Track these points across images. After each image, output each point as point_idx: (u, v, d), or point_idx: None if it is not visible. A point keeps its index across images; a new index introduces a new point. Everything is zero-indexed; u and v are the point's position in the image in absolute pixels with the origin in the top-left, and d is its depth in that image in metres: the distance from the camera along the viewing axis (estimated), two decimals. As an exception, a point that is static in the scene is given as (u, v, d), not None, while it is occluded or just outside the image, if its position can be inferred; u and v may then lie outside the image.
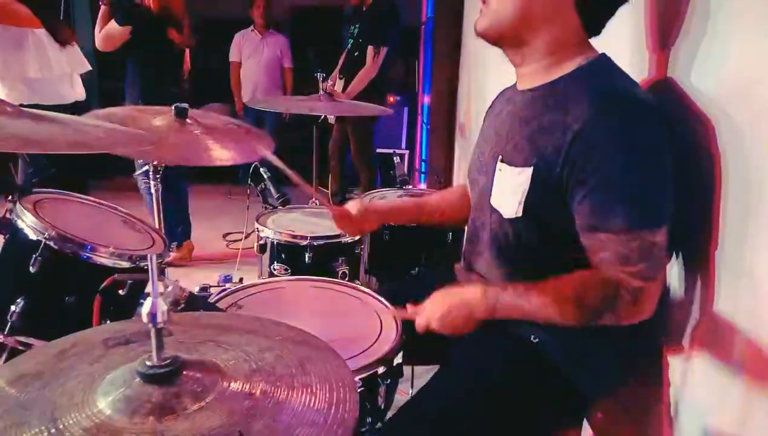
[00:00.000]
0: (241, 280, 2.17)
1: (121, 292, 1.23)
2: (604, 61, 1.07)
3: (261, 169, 2.04)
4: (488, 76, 2.69)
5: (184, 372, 0.63)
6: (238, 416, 0.60)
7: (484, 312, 1.07)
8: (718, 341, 0.97)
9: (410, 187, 2.40)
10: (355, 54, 3.64)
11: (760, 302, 0.86)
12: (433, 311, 1.10)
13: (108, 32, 2.96)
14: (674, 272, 1.10)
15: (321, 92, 2.25)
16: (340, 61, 3.81)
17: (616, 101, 0.98)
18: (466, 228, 1.32)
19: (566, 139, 0.98)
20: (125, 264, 1.29)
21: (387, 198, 2.19)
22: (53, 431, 0.57)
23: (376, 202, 1.51)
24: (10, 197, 1.31)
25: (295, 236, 1.78)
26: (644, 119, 0.97)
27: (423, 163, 4.67)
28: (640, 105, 0.99)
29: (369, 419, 1.06)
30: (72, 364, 0.69)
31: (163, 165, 1.74)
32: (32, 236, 1.24)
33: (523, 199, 1.05)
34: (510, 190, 1.07)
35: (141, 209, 2.54)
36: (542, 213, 1.05)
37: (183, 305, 1.02)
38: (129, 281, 1.21)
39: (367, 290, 1.31)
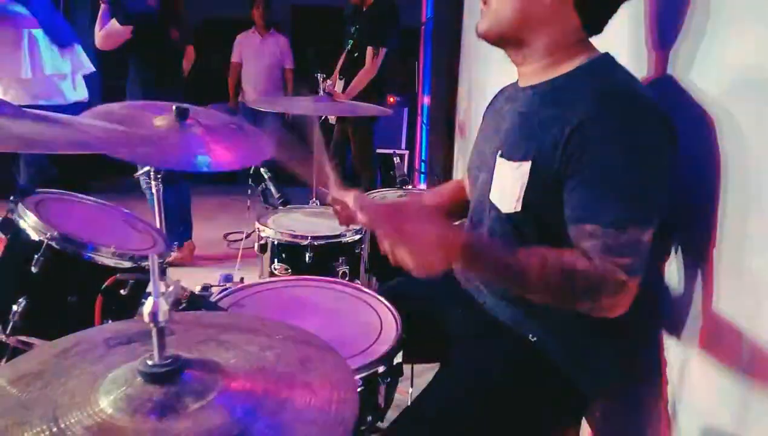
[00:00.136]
0: (242, 279, 2.18)
1: (122, 291, 1.23)
2: (606, 59, 1.07)
3: (262, 170, 2.05)
4: (488, 75, 2.69)
5: (186, 371, 0.64)
6: (239, 415, 0.61)
7: (460, 249, 0.96)
8: (717, 340, 0.97)
9: (410, 187, 2.40)
10: (355, 54, 3.64)
11: (760, 302, 0.86)
12: (406, 247, 0.94)
13: (109, 31, 2.97)
14: (674, 271, 1.10)
15: (321, 93, 2.25)
16: (340, 62, 3.82)
17: (616, 98, 0.99)
18: (464, 226, 1.32)
19: (564, 134, 0.98)
20: (127, 264, 1.29)
21: (387, 198, 2.19)
22: (55, 430, 0.58)
23: (375, 201, 1.50)
24: (12, 198, 1.32)
25: (295, 236, 1.78)
26: (644, 117, 0.97)
27: (423, 163, 4.67)
28: (640, 103, 0.99)
29: (369, 418, 1.06)
30: (73, 363, 0.69)
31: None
32: (34, 236, 1.24)
33: (522, 195, 1.05)
34: (509, 185, 1.07)
35: (142, 209, 2.54)
36: (540, 209, 1.05)
37: (184, 305, 1.03)
38: (130, 281, 1.22)
39: (367, 289, 1.32)
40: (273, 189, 2.00)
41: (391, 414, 1.11)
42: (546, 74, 1.09)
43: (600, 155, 0.96)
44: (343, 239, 1.79)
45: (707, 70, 1.02)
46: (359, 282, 1.70)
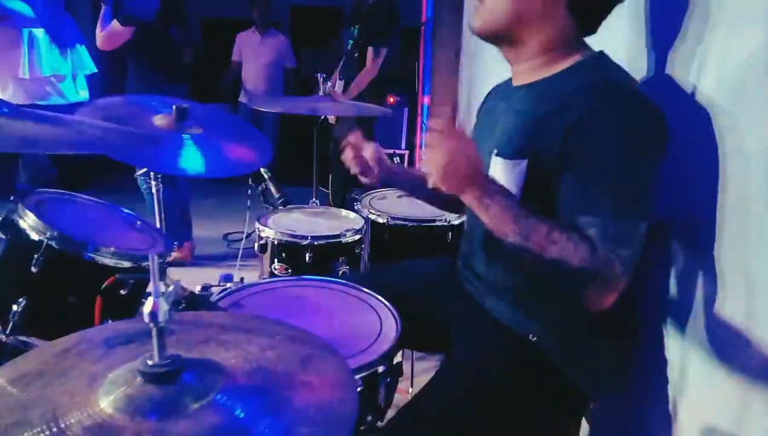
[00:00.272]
0: (242, 279, 2.18)
1: (122, 291, 1.23)
2: (601, 57, 1.08)
3: (262, 170, 2.04)
4: (488, 75, 2.69)
5: (186, 371, 0.64)
6: (239, 415, 0.61)
7: (481, 181, 0.99)
8: (717, 340, 0.97)
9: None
10: (355, 55, 3.64)
11: (760, 301, 0.86)
12: (436, 158, 0.98)
13: (110, 32, 2.96)
14: (674, 271, 1.10)
15: (321, 93, 2.25)
16: (341, 63, 3.82)
17: (611, 94, 0.99)
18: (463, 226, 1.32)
19: (561, 133, 0.99)
20: (127, 264, 1.29)
21: (387, 198, 2.20)
22: (54, 430, 0.58)
23: (391, 165, 1.47)
24: (11, 198, 1.31)
25: (295, 236, 1.78)
26: (638, 113, 0.98)
27: (423, 163, 4.66)
28: (634, 99, 1.00)
29: (369, 418, 1.06)
30: (73, 363, 0.69)
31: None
32: (34, 236, 1.24)
33: (519, 193, 1.05)
34: (505, 184, 1.07)
35: (142, 209, 2.54)
36: (537, 206, 1.05)
37: (184, 305, 1.03)
38: (130, 281, 1.22)
39: (367, 289, 1.32)
40: (273, 189, 2.00)
41: (392, 414, 1.11)
42: (540, 73, 1.10)
43: (595, 149, 0.96)
44: (343, 239, 1.79)
45: (706, 70, 1.02)
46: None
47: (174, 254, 3.30)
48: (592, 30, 1.08)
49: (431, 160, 0.97)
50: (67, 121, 1.12)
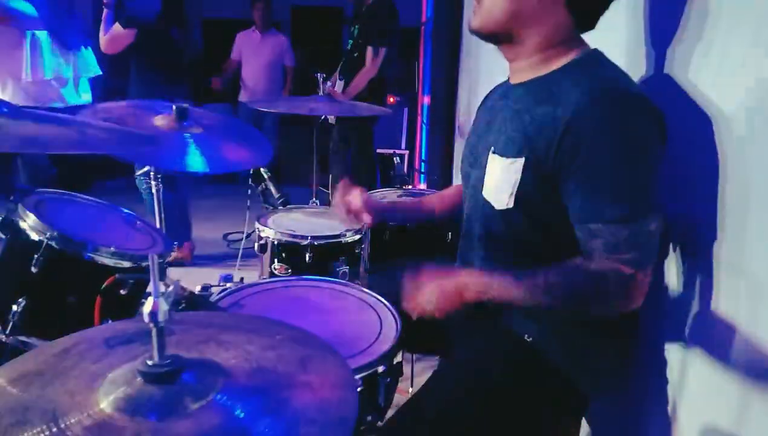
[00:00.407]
0: (241, 279, 2.17)
1: (122, 292, 1.23)
2: (597, 55, 1.08)
3: (261, 170, 2.04)
4: (488, 75, 2.69)
5: (186, 371, 0.64)
6: (239, 415, 0.61)
7: (474, 293, 1.06)
8: (717, 340, 0.97)
9: (410, 187, 2.41)
10: (355, 54, 3.64)
11: (759, 301, 0.86)
12: (425, 297, 1.08)
13: (113, 35, 2.96)
14: (673, 271, 1.10)
15: (321, 93, 2.25)
16: (340, 63, 3.82)
17: (606, 92, 0.99)
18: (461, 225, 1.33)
19: (557, 131, 0.99)
20: (126, 264, 1.29)
21: (387, 198, 2.19)
22: (54, 430, 0.58)
23: (377, 200, 1.52)
24: (11, 198, 1.31)
25: (295, 236, 1.78)
26: (634, 110, 0.98)
27: (423, 164, 4.67)
28: (630, 96, 1.00)
29: (369, 418, 1.07)
30: (73, 363, 0.69)
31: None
32: (34, 236, 1.24)
33: (515, 191, 1.05)
34: (502, 182, 1.07)
35: (142, 209, 2.54)
36: (534, 204, 1.05)
37: (184, 305, 1.03)
38: (130, 281, 1.22)
39: (367, 289, 1.32)
40: (273, 189, 2.00)
41: (392, 414, 1.11)
42: (538, 71, 1.10)
43: (593, 152, 0.97)
44: (343, 239, 1.79)
45: (705, 69, 1.02)
46: (359, 282, 1.70)
47: (174, 254, 3.29)
48: (590, 26, 1.09)
49: (423, 307, 1.07)
50: (68, 121, 1.12)
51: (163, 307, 0.61)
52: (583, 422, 1.27)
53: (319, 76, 2.30)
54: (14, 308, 1.23)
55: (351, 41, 3.72)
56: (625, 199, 0.96)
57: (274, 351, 0.72)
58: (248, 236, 2.82)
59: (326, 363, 0.72)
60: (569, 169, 0.99)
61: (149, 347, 0.63)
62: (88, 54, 2.91)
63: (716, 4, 0.99)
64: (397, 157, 2.71)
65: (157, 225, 1.65)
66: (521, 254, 1.11)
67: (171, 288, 0.64)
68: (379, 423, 1.10)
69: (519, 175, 1.04)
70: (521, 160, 1.04)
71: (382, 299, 1.26)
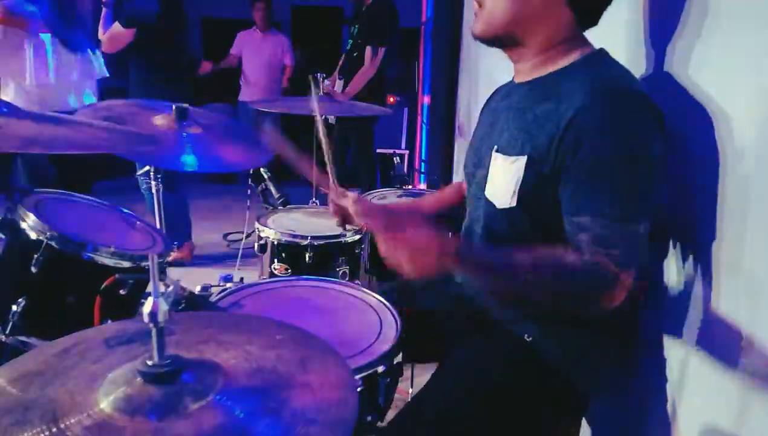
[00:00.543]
0: (241, 279, 2.17)
1: (122, 292, 1.23)
2: (601, 54, 1.08)
3: (261, 170, 2.05)
4: (489, 75, 2.69)
5: (186, 371, 0.64)
6: (239, 415, 0.61)
7: (453, 253, 0.97)
8: (717, 340, 0.97)
9: (410, 187, 2.41)
10: (355, 54, 3.64)
11: (759, 301, 0.86)
12: (403, 253, 0.97)
13: (113, 35, 2.96)
14: (673, 271, 1.10)
15: (321, 93, 2.25)
16: (340, 62, 3.82)
17: (609, 92, 0.99)
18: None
19: (560, 129, 0.99)
20: (126, 264, 1.29)
21: (387, 198, 2.19)
22: (54, 430, 0.58)
23: (373, 203, 1.51)
24: (11, 198, 1.31)
25: (295, 236, 1.78)
26: (636, 110, 0.98)
27: (423, 164, 4.67)
28: (633, 96, 1.00)
29: (369, 418, 1.06)
30: (73, 363, 0.69)
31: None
32: (33, 236, 1.24)
33: (517, 189, 1.05)
34: (504, 180, 1.07)
35: (142, 209, 2.54)
36: (535, 204, 1.05)
37: (184, 305, 1.03)
38: (130, 281, 1.22)
39: (367, 289, 1.32)
40: (273, 189, 2.00)
41: (392, 414, 1.11)
42: (541, 70, 1.10)
43: (593, 148, 0.97)
44: (343, 239, 1.79)
45: (706, 68, 1.02)
46: (359, 282, 1.70)
47: (174, 254, 3.30)
48: (593, 23, 1.09)
49: (398, 262, 0.95)
50: (67, 121, 1.12)
51: (163, 307, 0.61)
52: (583, 422, 1.27)
53: (319, 76, 2.30)
54: (14, 308, 1.23)
55: (351, 41, 3.72)
56: (621, 197, 0.96)
57: (274, 351, 0.72)
58: (248, 236, 2.82)
59: (326, 363, 0.72)
60: (569, 165, 0.99)
61: (149, 347, 0.63)
62: (94, 57, 2.91)
63: (717, 2, 0.99)
64: (397, 157, 2.71)
65: (157, 225, 1.65)
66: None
67: (171, 288, 0.64)
68: (379, 423, 1.10)
69: (521, 174, 1.04)
70: (523, 158, 1.04)
71: (383, 299, 1.26)
